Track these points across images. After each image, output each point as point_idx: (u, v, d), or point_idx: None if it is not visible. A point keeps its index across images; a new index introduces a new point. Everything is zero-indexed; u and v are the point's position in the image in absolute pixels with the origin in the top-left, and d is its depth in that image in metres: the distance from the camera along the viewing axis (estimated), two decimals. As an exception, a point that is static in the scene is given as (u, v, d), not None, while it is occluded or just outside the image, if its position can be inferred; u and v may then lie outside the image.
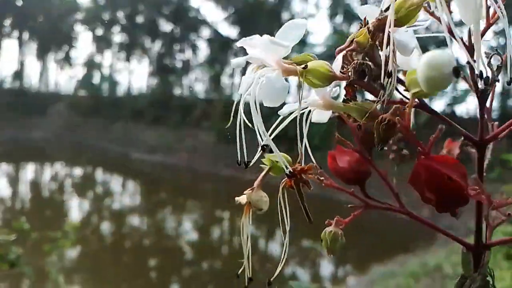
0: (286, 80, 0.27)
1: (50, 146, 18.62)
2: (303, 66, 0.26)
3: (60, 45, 23.94)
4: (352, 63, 0.27)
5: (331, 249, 0.30)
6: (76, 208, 10.23)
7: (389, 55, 0.25)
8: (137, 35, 21.28)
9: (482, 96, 0.32)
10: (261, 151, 0.30)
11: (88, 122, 20.38)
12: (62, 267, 5.34)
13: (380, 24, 0.26)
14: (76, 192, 12.18)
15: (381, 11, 0.27)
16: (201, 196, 11.35)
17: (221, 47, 17.95)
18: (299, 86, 0.26)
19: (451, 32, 0.34)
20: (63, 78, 28.89)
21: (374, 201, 0.34)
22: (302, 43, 17.32)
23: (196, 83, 19.99)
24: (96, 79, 23.52)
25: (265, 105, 0.27)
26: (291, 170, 0.27)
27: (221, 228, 9.25)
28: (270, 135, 0.29)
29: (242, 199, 0.31)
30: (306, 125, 0.31)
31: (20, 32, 24.01)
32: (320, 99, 0.30)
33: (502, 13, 0.30)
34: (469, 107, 13.51)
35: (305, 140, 0.31)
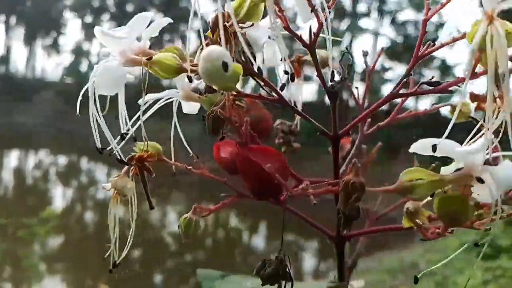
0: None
1: (36, 133, 18.41)
2: (147, 57, 0.27)
3: (48, 31, 23.61)
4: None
5: (184, 234, 0.31)
6: (60, 196, 10.18)
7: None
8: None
9: (331, 93, 0.33)
10: (121, 138, 0.31)
11: (74, 110, 20.12)
12: (44, 255, 5.34)
13: (215, 21, 0.27)
14: (60, 180, 12.09)
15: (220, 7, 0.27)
16: (186, 187, 11.34)
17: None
18: (144, 77, 0.27)
19: (289, 31, 0.35)
20: (50, 65, 28.55)
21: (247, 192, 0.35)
22: (291, 38, 17.30)
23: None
24: (83, 66, 23.28)
25: (99, 93, 0.28)
26: (121, 158, 0.28)
27: (204, 220, 9.25)
28: (133, 125, 0.30)
29: (108, 186, 0.32)
30: (174, 114, 0.32)
31: (7, 16, 23.63)
32: (180, 91, 0.31)
33: (326, 18, 0.32)
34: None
35: (174, 128, 0.32)
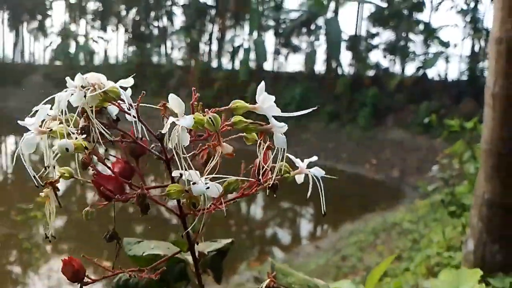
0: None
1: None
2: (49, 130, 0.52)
3: (33, 14, 23.38)
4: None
5: (86, 218, 0.55)
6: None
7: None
8: (111, 3, 20.90)
9: (158, 138, 0.56)
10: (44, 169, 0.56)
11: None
12: (42, 237, 5.61)
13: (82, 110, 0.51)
14: (57, 162, 12.33)
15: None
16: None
17: (198, 14, 17.84)
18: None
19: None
20: (38, 48, 28.29)
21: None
22: (279, 9, 17.28)
23: (173, 51, 19.93)
24: (71, 48, 23.12)
25: (24, 152, 0.52)
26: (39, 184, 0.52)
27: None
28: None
29: (42, 194, 0.57)
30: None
31: (-11, 1, 23.28)
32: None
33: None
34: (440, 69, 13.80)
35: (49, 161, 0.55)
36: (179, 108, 0.48)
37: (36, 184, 0.55)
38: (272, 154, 0.55)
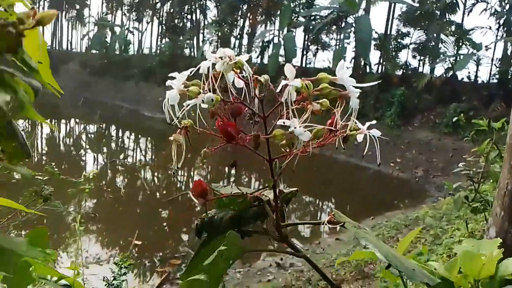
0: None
1: (63, 104, 19.23)
2: (186, 89, 0.74)
3: (72, 4, 24.11)
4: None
5: (202, 159, 0.77)
6: (92, 162, 10.97)
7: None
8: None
9: (261, 103, 0.78)
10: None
11: (99, 81, 20.87)
12: (80, 216, 5.99)
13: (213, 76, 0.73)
14: (90, 147, 12.85)
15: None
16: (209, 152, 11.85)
17: (230, 8, 18.12)
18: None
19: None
20: (76, 37, 29.04)
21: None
22: (310, 6, 17.40)
23: (205, 44, 20.28)
24: (107, 38, 23.71)
25: (170, 103, 0.74)
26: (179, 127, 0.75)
27: (227, 179, 9.75)
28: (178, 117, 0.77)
29: (171, 138, 0.80)
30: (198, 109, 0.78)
31: (31, -11, 24.02)
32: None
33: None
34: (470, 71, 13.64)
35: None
36: (291, 74, 0.69)
37: (177, 125, 0.72)
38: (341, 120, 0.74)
